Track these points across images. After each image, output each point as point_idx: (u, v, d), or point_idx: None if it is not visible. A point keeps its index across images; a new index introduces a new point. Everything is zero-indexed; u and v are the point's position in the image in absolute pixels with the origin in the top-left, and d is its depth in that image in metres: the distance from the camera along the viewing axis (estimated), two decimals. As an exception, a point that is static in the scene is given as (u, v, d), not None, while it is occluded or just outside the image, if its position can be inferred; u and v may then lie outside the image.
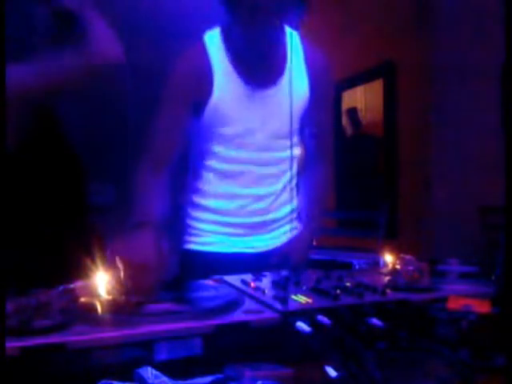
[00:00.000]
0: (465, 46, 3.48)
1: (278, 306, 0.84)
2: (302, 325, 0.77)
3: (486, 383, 0.73)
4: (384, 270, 1.16)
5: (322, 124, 1.48)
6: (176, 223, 1.48)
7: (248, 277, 1.09)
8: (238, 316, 0.82)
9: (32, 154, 1.28)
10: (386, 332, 0.79)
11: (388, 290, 0.96)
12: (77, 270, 1.00)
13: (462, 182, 3.54)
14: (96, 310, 0.82)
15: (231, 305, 0.86)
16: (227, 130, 1.36)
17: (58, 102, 1.32)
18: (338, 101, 4.69)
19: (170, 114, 1.34)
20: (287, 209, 1.47)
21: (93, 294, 0.89)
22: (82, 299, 0.86)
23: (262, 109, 1.37)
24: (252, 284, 1.01)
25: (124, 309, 0.84)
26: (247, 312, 0.83)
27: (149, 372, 0.69)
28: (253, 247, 1.44)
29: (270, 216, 1.44)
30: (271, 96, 1.37)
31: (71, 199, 1.36)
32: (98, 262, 0.98)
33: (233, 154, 1.38)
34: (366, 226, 3.90)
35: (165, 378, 0.69)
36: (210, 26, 1.39)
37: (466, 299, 0.86)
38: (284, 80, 1.37)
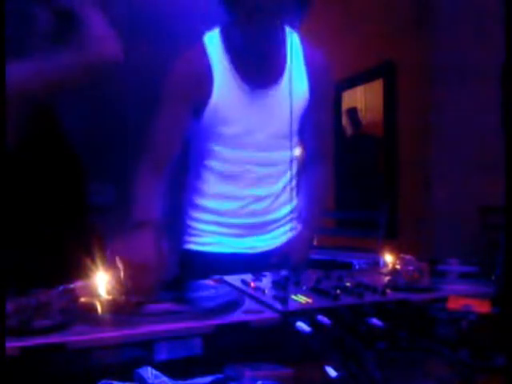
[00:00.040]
0: (465, 46, 3.48)
1: (278, 306, 0.84)
2: (302, 325, 0.77)
3: (485, 383, 0.73)
4: (384, 270, 1.16)
5: (322, 124, 1.48)
6: (176, 223, 1.48)
7: (248, 277, 1.09)
8: (237, 316, 0.82)
9: (32, 154, 1.28)
10: (386, 332, 0.79)
11: (388, 290, 0.96)
12: (77, 270, 1.00)
13: (462, 182, 3.54)
14: (96, 310, 0.82)
15: (231, 305, 0.86)
16: (227, 131, 1.36)
17: (57, 100, 1.32)
18: (338, 101, 4.69)
19: (169, 113, 1.34)
20: (287, 209, 1.47)
21: (93, 294, 0.89)
22: (82, 299, 0.86)
23: (262, 109, 1.37)
24: (252, 284, 1.01)
25: (124, 309, 0.84)
26: (247, 312, 0.83)
27: (149, 372, 0.69)
28: (252, 247, 1.44)
29: (270, 216, 1.44)
30: (271, 97, 1.37)
31: (71, 199, 1.36)
32: (98, 262, 0.98)
33: (232, 154, 1.38)
34: (366, 226, 3.90)
35: (165, 378, 0.69)
36: (209, 27, 1.39)
37: (466, 299, 0.86)
38: (284, 81, 1.37)
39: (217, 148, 1.38)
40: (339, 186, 4.59)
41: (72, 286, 0.89)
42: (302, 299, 0.89)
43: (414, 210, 3.90)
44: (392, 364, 0.74)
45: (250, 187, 1.40)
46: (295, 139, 1.45)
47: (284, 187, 1.45)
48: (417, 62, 3.83)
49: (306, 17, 1.29)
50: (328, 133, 1.56)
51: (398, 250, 1.12)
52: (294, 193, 1.49)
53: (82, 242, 1.23)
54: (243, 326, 0.79)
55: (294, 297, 0.90)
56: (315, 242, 4.02)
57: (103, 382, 0.67)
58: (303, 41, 1.42)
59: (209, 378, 0.70)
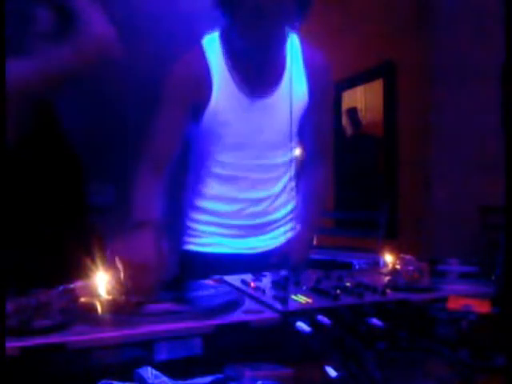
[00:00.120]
0: (465, 46, 3.48)
1: (278, 306, 0.84)
2: (302, 325, 0.77)
3: (485, 383, 0.73)
4: (384, 270, 1.16)
5: (321, 125, 1.48)
6: (175, 224, 1.48)
7: (248, 277, 1.09)
8: (237, 316, 0.82)
9: (32, 154, 1.28)
10: (386, 332, 0.79)
11: (388, 290, 0.96)
12: (77, 269, 1.00)
13: (462, 182, 3.54)
14: (96, 310, 0.82)
15: (231, 305, 0.86)
16: (226, 134, 1.36)
17: (56, 98, 1.32)
18: (337, 101, 4.69)
19: (168, 115, 1.34)
20: (286, 210, 1.47)
21: (93, 294, 0.89)
22: (82, 299, 0.86)
23: (262, 113, 1.36)
24: (252, 284, 1.01)
25: (124, 309, 0.84)
26: (247, 312, 0.83)
27: (149, 372, 0.69)
28: (252, 248, 1.44)
29: (269, 217, 1.44)
30: (270, 99, 1.36)
31: (71, 199, 1.36)
32: (98, 262, 0.98)
33: (232, 157, 1.38)
34: (366, 226, 3.91)
35: (165, 378, 0.69)
36: (209, 29, 1.39)
37: (466, 299, 0.86)
38: (283, 83, 1.36)
39: (216, 151, 1.38)
40: (339, 186, 4.59)
41: (72, 286, 0.89)
42: (302, 299, 0.89)
43: (414, 209, 3.90)
44: (392, 364, 0.74)
45: (249, 190, 1.40)
46: (294, 140, 1.45)
47: (283, 188, 1.45)
48: (417, 62, 3.83)
49: (305, 18, 1.29)
50: (328, 133, 1.56)
51: (398, 250, 1.12)
52: (294, 193, 1.49)
53: (82, 242, 1.23)
54: (243, 325, 0.79)
55: (294, 297, 0.90)
56: (315, 242, 4.03)
57: (103, 382, 0.67)
58: (303, 42, 1.42)
59: (209, 378, 0.70)
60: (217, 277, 1.09)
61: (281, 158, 1.41)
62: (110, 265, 0.97)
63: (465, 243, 3.25)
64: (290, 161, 1.42)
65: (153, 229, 1.10)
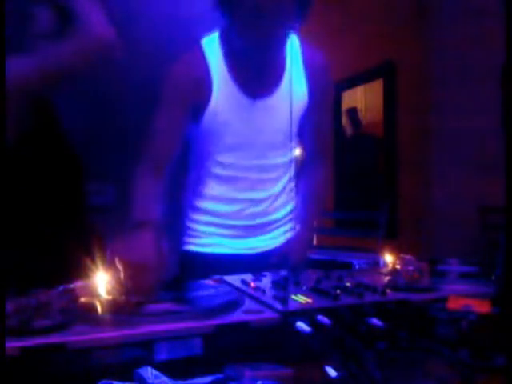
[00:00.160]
0: (465, 46, 3.48)
1: (278, 306, 0.84)
2: (302, 325, 0.77)
3: (485, 383, 0.73)
4: (384, 270, 1.16)
5: (321, 125, 1.48)
6: (175, 225, 1.48)
7: (248, 277, 1.09)
8: (237, 316, 0.82)
9: (32, 154, 1.28)
10: (386, 332, 0.79)
11: (388, 290, 0.96)
12: (77, 270, 1.00)
13: (462, 182, 3.54)
14: (96, 310, 0.82)
15: (231, 305, 0.86)
16: (226, 135, 1.36)
17: (56, 94, 1.32)
18: (338, 101, 4.69)
19: (168, 115, 1.34)
20: (286, 210, 1.47)
21: (93, 294, 0.89)
22: (82, 299, 0.86)
23: (261, 114, 1.36)
24: (252, 284, 1.01)
25: (124, 309, 0.84)
26: (247, 312, 0.83)
27: (149, 372, 0.69)
28: (252, 248, 1.44)
29: (269, 217, 1.44)
30: (270, 100, 1.36)
31: (71, 199, 1.36)
32: (98, 262, 0.98)
33: (232, 158, 1.38)
34: (366, 226, 3.91)
35: (165, 378, 0.69)
36: (208, 30, 1.39)
37: (466, 299, 0.86)
38: (283, 84, 1.36)
39: (216, 151, 1.38)
40: (339, 186, 4.60)
41: (72, 286, 0.89)
42: (302, 299, 0.89)
43: (414, 209, 3.90)
44: (392, 364, 0.74)
45: (249, 190, 1.40)
46: (294, 140, 1.45)
47: (283, 189, 1.45)
48: (417, 62, 3.84)
49: (305, 19, 1.29)
50: (327, 133, 1.56)
51: (398, 250, 1.12)
52: (293, 193, 1.49)
53: (82, 242, 1.23)
54: (243, 326, 0.79)
55: (294, 297, 0.90)
56: (315, 242, 4.03)
57: (103, 382, 0.67)
58: (302, 42, 1.42)
59: (209, 378, 0.70)
60: (217, 277, 1.09)
61: (281, 158, 1.41)
62: (110, 265, 0.97)
63: (465, 243, 3.26)
64: (290, 161, 1.42)
65: (153, 229, 1.10)
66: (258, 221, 1.43)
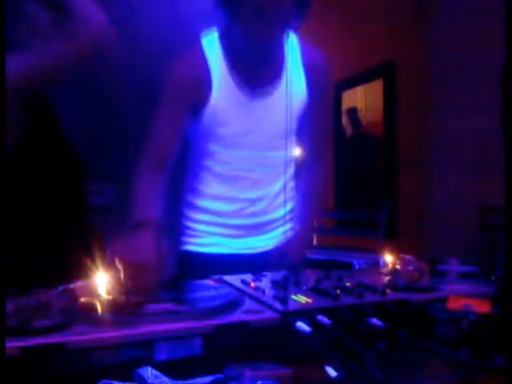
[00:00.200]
0: (465, 46, 3.49)
1: (278, 306, 0.84)
2: (302, 325, 0.77)
3: (485, 383, 0.73)
4: (384, 270, 1.16)
5: (320, 124, 1.48)
6: (174, 225, 1.47)
7: (248, 277, 1.09)
8: (237, 316, 0.82)
9: (32, 153, 1.28)
10: (386, 332, 0.79)
11: (388, 290, 0.96)
12: (77, 269, 1.00)
13: (462, 182, 3.54)
14: (96, 310, 0.82)
15: (231, 305, 0.86)
16: (225, 132, 1.36)
17: (56, 92, 1.32)
18: (338, 101, 4.70)
19: (168, 114, 1.34)
20: (286, 209, 1.47)
21: (93, 294, 0.89)
22: (82, 299, 0.86)
23: (260, 111, 1.37)
24: (252, 284, 1.01)
25: (124, 309, 0.84)
26: (247, 312, 0.83)
27: (149, 372, 0.69)
28: (252, 248, 1.44)
29: (269, 217, 1.44)
30: (269, 98, 1.37)
31: (71, 199, 1.36)
32: (98, 262, 0.98)
33: (231, 156, 1.38)
34: (366, 226, 3.91)
35: (165, 378, 0.69)
36: (208, 28, 1.39)
37: (466, 299, 0.86)
38: (282, 82, 1.37)
39: (215, 149, 1.38)
40: (339, 186, 4.60)
41: (72, 285, 0.89)
42: (302, 299, 0.89)
43: (414, 210, 3.90)
44: (392, 364, 0.74)
45: (248, 188, 1.40)
46: (293, 139, 1.45)
47: (283, 187, 1.45)
48: (417, 62, 3.84)
49: (305, 18, 1.29)
50: (326, 133, 1.56)
51: (398, 250, 1.12)
52: (293, 192, 1.49)
53: (82, 242, 1.23)
54: (243, 326, 0.79)
55: (294, 297, 0.90)
56: (315, 242, 4.03)
57: (103, 382, 0.67)
58: (301, 42, 1.42)
59: (209, 378, 0.70)
60: (216, 277, 1.09)
61: (280, 155, 1.40)
62: (110, 265, 0.97)
63: (465, 243, 3.26)
64: (290, 160, 1.42)
65: (152, 229, 1.10)
66: (258, 220, 1.43)
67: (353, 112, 4.71)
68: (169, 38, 2.16)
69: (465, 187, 3.51)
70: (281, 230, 1.46)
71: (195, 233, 1.45)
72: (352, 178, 4.60)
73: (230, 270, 1.13)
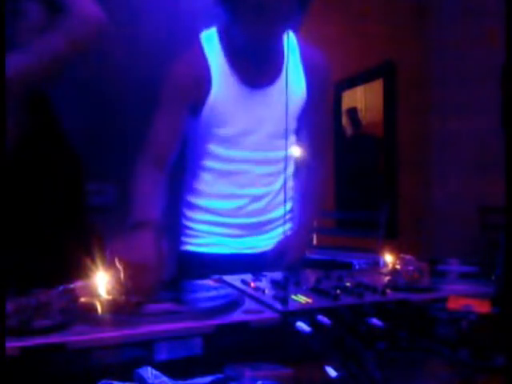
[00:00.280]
0: (465, 46, 3.49)
1: (278, 306, 0.84)
2: (302, 325, 0.77)
3: (485, 383, 0.73)
4: (384, 270, 1.16)
5: (318, 123, 1.48)
6: (174, 224, 1.47)
7: (248, 277, 1.09)
8: (238, 316, 0.82)
9: (32, 154, 1.28)
10: (386, 332, 0.79)
11: (388, 290, 0.96)
12: (77, 269, 1.00)
13: (462, 182, 3.54)
14: (96, 310, 0.82)
15: (231, 305, 0.86)
16: (224, 130, 1.36)
17: (55, 91, 1.32)
18: (338, 101, 4.70)
19: (168, 114, 1.34)
20: (286, 208, 1.47)
21: (93, 294, 0.89)
22: (82, 299, 0.86)
23: (260, 109, 1.37)
24: (252, 284, 1.01)
25: (124, 309, 0.84)
26: (247, 312, 0.83)
27: (149, 372, 0.69)
28: (252, 247, 1.44)
29: (268, 216, 1.44)
30: (269, 96, 1.37)
31: (71, 199, 1.36)
32: (98, 262, 0.98)
33: (230, 153, 1.38)
34: (366, 226, 3.91)
35: (165, 378, 0.69)
36: (207, 26, 1.39)
37: (466, 299, 0.86)
38: (281, 80, 1.37)
39: (214, 147, 1.38)
40: (339, 186, 4.59)
41: (72, 285, 0.89)
42: (301, 299, 0.89)
43: (414, 210, 3.90)
44: (392, 364, 0.74)
45: (247, 187, 1.40)
46: (293, 138, 1.45)
47: (282, 186, 1.44)
48: (417, 62, 3.84)
49: (305, 16, 1.29)
50: (325, 133, 1.56)
51: (398, 250, 1.12)
52: (293, 192, 1.49)
53: (82, 242, 1.23)
54: (243, 326, 0.79)
55: (294, 297, 0.90)
56: (315, 242, 4.03)
57: (103, 382, 0.67)
58: (301, 41, 1.42)
59: (209, 378, 0.70)
60: (216, 277, 1.09)
61: (279, 153, 1.40)
62: (110, 265, 0.97)
63: (465, 243, 3.26)
64: (286, 158, 1.42)
65: (152, 229, 1.10)
66: (258, 219, 1.43)
67: (353, 112, 4.71)
68: (169, 37, 2.16)
69: (465, 187, 3.51)
70: (280, 229, 1.46)
71: (195, 233, 1.45)
72: (352, 178, 4.59)
73: (229, 270, 1.13)
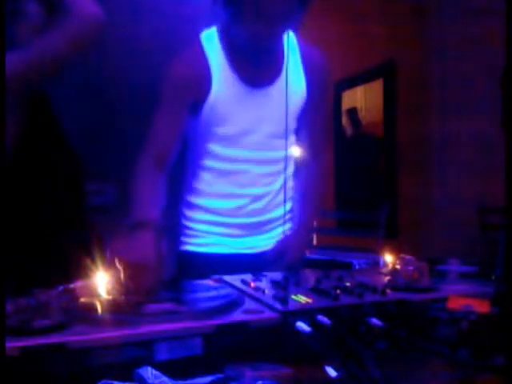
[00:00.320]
0: (465, 46, 3.48)
1: (278, 306, 0.84)
2: (302, 325, 0.77)
3: (485, 383, 0.73)
4: (384, 270, 1.16)
5: (319, 124, 1.48)
6: (174, 224, 1.47)
7: (248, 277, 1.09)
8: (237, 316, 0.82)
9: (32, 154, 1.28)
10: (386, 332, 0.79)
11: (388, 290, 0.96)
12: (77, 269, 1.00)
13: (461, 182, 3.54)
14: (96, 310, 0.82)
15: (231, 305, 0.86)
16: (224, 129, 1.36)
17: (55, 91, 1.32)
18: (338, 101, 4.70)
19: (168, 114, 1.34)
20: (285, 208, 1.47)
21: (93, 293, 0.89)
22: (82, 299, 0.86)
23: (260, 108, 1.37)
24: (252, 284, 1.01)
25: (124, 309, 0.84)
26: (247, 312, 0.83)
27: (149, 372, 0.69)
28: (251, 247, 1.44)
29: (268, 216, 1.44)
30: (269, 95, 1.37)
31: (71, 199, 1.36)
32: (98, 261, 0.98)
33: (230, 153, 1.38)
34: (366, 225, 3.91)
35: (165, 378, 0.69)
36: (207, 26, 1.39)
37: (466, 299, 0.86)
38: (281, 80, 1.37)
39: (214, 147, 1.38)
40: (339, 186, 4.59)
41: (72, 285, 0.89)
42: (301, 299, 0.89)
43: (414, 210, 3.90)
44: (392, 364, 0.74)
45: (247, 186, 1.40)
46: (292, 138, 1.45)
47: (281, 186, 1.45)
48: (417, 62, 3.84)
49: (305, 16, 1.29)
50: (325, 133, 1.56)
51: (397, 250, 1.12)
52: (292, 192, 1.49)
53: (82, 242, 1.23)
54: (243, 326, 0.79)
55: (294, 297, 0.90)
56: (315, 242, 4.03)
57: (103, 382, 0.67)
58: (301, 41, 1.42)
59: (209, 378, 0.70)
60: (216, 277, 1.09)
61: (279, 152, 1.40)
62: (110, 265, 0.97)
63: (465, 243, 3.26)
64: (286, 158, 1.42)
65: (152, 229, 1.10)
66: (258, 219, 1.43)
67: (353, 112, 4.71)
68: (168, 37, 2.16)
69: (465, 187, 3.51)
70: (280, 229, 1.46)
71: (195, 233, 1.45)
72: (352, 177, 4.59)
73: (229, 270, 1.13)
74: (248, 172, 1.40)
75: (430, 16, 3.75)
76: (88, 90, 2.08)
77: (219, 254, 1.43)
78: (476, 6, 3.42)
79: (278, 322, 0.81)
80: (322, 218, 4.09)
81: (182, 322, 0.77)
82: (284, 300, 0.85)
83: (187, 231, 1.46)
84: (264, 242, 1.45)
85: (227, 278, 1.08)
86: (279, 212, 1.45)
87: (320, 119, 1.49)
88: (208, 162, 1.41)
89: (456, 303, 0.86)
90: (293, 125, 1.42)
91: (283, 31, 1.32)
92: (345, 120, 4.76)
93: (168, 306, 0.85)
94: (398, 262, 1.06)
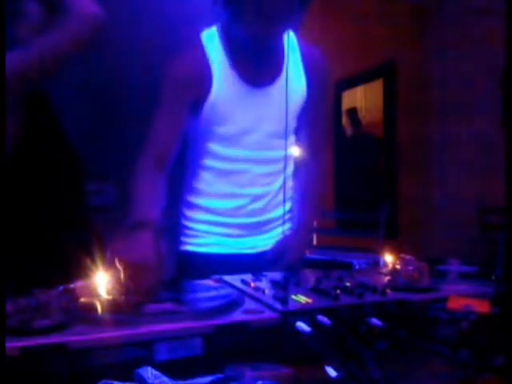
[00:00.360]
0: (465, 46, 3.49)
1: (278, 306, 0.84)
2: (302, 325, 0.77)
3: (485, 383, 0.73)
4: (384, 270, 1.16)
5: (318, 124, 1.48)
6: (173, 224, 1.47)
7: (248, 277, 1.09)
8: (237, 316, 0.82)
9: (32, 153, 1.28)
10: (386, 332, 0.79)
11: (388, 290, 0.96)
12: (77, 269, 1.00)
13: (461, 182, 3.54)
14: (96, 309, 0.82)
15: (231, 305, 0.86)
16: (224, 128, 1.36)
17: (55, 91, 1.32)
18: (338, 101, 4.70)
19: (168, 114, 1.34)
20: (285, 208, 1.47)
21: (93, 293, 0.89)
22: (82, 299, 0.86)
23: (260, 107, 1.37)
24: (252, 284, 1.01)
25: (124, 309, 0.84)
26: (247, 312, 0.83)
27: (149, 372, 0.69)
28: (251, 247, 1.44)
29: (268, 215, 1.44)
30: (269, 95, 1.37)
31: (71, 199, 1.36)
32: (98, 262, 0.98)
33: (230, 152, 1.38)
34: (366, 226, 3.91)
35: (165, 378, 0.69)
36: (207, 25, 1.39)
37: (466, 299, 0.86)
38: (282, 79, 1.37)
39: (215, 146, 1.38)
40: (339, 186, 4.60)
41: (72, 285, 0.89)
42: (301, 299, 0.89)
43: (414, 210, 3.90)
44: (392, 364, 0.74)
45: (247, 186, 1.40)
46: (292, 138, 1.45)
47: (281, 186, 1.45)
48: (417, 62, 3.84)
49: (306, 16, 1.29)
50: (324, 132, 1.56)
51: (397, 250, 1.12)
52: (291, 192, 1.49)
53: (82, 242, 1.23)
54: (243, 326, 0.79)
55: (294, 297, 0.90)
56: (315, 242, 4.03)
57: (103, 382, 0.67)
58: (301, 41, 1.42)
59: (209, 378, 0.70)
60: (216, 277, 1.09)
61: (279, 152, 1.40)
62: (110, 265, 0.97)
63: (465, 243, 3.26)
64: (286, 158, 1.42)
65: (152, 229, 1.10)
66: (257, 219, 1.43)
67: (353, 112, 4.71)
68: (168, 37, 2.16)
69: (465, 187, 3.51)
70: (280, 229, 1.46)
71: (195, 232, 1.45)
72: (352, 178, 4.60)
73: (229, 270, 1.13)
74: (248, 172, 1.40)
75: (430, 16, 3.75)
76: (88, 89, 2.08)
77: (219, 254, 1.43)
78: (476, 6, 3.42)
79: (277, 321, 0.81)
80: (322, 218, 4.09)
81: (182, 321, 0.77)
82: (284, 300, 0.85)
83: (187, 231, 1.46)
84: (264, 242, 1.45)
85: (227, 278, 1.08)
86: (279, 212, 1.45)
87: (320, 119, 1.49)
88: (208, 162, 1.41)
89: (456, 303, 0.86)
90: (293, 124, 1.42)
91: (283, 31, 1.32)
92: (345, 120, 4.76)
93: (168, 305, 0.85)
94: (398, 262, 1.06)
